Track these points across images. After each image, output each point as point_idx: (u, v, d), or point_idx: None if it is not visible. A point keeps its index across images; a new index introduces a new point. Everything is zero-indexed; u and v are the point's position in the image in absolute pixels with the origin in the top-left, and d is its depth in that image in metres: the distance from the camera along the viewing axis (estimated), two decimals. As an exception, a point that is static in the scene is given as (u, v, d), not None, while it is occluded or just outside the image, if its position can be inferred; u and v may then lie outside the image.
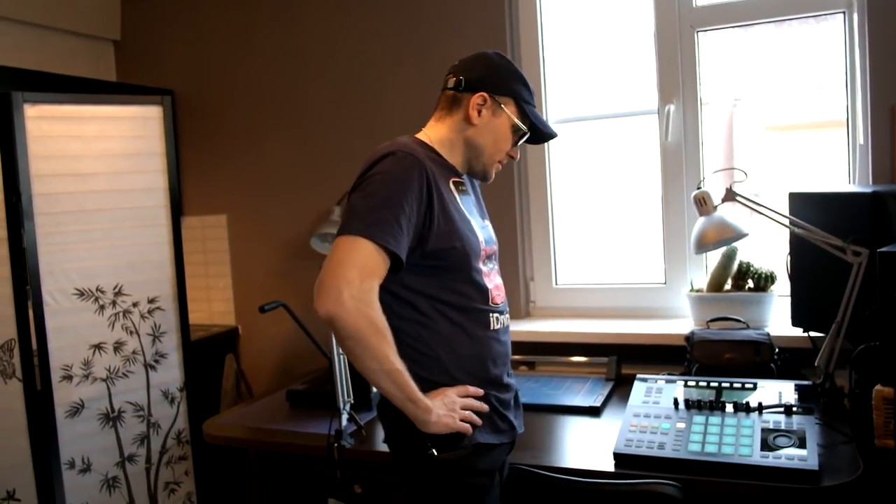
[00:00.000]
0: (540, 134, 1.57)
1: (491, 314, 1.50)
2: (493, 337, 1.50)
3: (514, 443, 1.58)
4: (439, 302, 1.44)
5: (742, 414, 1.65)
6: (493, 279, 1.53)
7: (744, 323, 2.12)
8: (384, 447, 1.67)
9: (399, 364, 1.36)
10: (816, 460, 1.47)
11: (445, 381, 1.44)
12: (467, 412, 1.43)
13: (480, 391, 1.46)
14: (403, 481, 1.50)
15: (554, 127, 1.60)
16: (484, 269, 1.50)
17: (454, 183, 1.50)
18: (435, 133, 1.53)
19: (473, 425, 1.43)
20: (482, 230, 1.52)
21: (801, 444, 1.52)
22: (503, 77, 1.52)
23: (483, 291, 1.48)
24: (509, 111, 1.51)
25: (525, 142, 1.57)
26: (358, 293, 1.31)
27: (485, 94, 1.49)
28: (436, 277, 1.44)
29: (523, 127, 1.52)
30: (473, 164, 1.55)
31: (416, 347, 1.44)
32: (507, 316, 1.57)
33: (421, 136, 1.53)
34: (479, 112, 1.49)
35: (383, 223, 1.33)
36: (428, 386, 1.42)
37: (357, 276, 1.31)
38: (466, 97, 1.50)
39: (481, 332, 1.48)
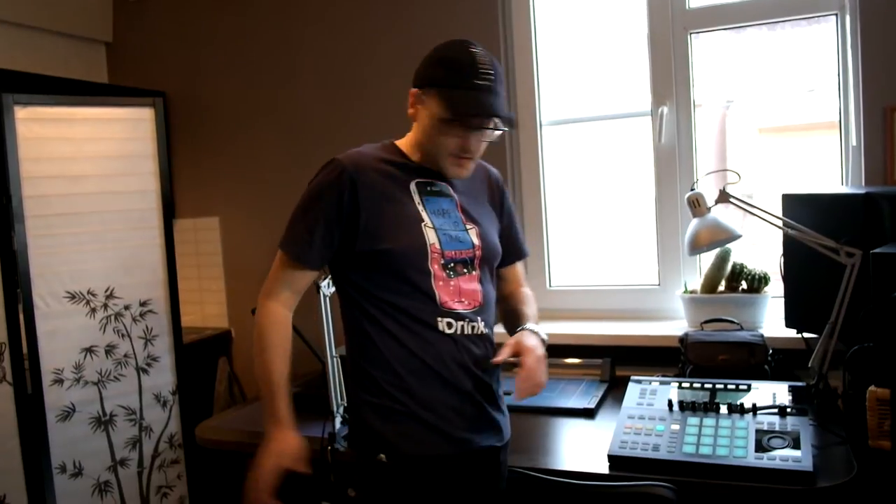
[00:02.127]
0: (467, 117, 1.41)
1: (440, 318, 1.43)
2: (444, 340, 1.43)
3: (491, 447, 1.49)
4: (381, 301, 1.44)
5: (736, 415, 1.65)
6: (453, 283, 1.45)
7: (738, 324, 2.13)
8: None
9: (275, 376, 1.46)
10: (811, 461, 1.47)
11: (390, 378, 1.42)
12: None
13: None
14: (352, 485, 1.53)
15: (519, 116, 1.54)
16: (440, 272, 1.44)
17: (418, 184, 1.49)
18: (408, 136, 1.56)
19: None
20: (442, 232, 1.46)
21: (796, 445, 1.52)
22: (427, 68, 1.46)
23: (428, 294, 1.43)
24: (431, 102, 1.43)
25: (489, 129, 1.45)
26: (267, 302, 1.49)
27: (413, 91, 1.48)
28: (378, 276, 1.44)
29: (445, 115, 1.40)
30: (430, 162, 1.50)
31: (363, 343, 1.45)
32: (475, 323, 1.47)
33: (399, 140, 1.56)
34: (415, 109, 1.48)
35: (297, 236, 1.47)
36: (375, 381, 1.43)
37: (272, 286, 1.50)
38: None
39: (429, 333, 1.43)
